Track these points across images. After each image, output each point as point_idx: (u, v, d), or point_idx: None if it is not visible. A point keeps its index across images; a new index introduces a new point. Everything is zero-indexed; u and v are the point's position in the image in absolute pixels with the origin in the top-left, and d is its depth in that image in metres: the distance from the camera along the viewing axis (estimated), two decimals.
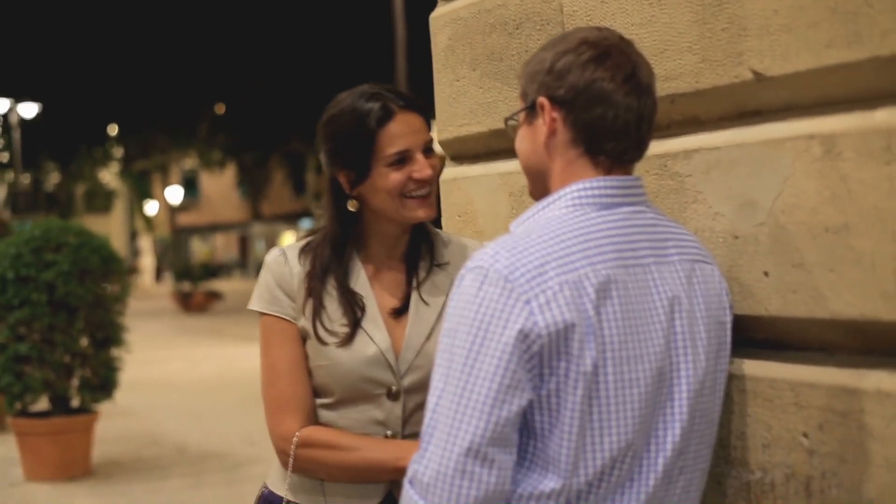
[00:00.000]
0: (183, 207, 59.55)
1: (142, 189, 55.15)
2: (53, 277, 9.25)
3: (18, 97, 33.56)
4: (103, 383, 9.69)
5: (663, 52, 2.42)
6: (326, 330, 2.65)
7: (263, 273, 2.74)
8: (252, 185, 48.23)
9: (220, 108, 38.97)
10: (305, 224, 56.22)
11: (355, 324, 2.65)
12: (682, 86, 2.39)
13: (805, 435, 2.13)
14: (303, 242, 2.76)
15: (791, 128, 2.15)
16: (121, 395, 10.40)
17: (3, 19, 30.48)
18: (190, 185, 60.38)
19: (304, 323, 2.67)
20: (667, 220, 2.17)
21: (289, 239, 55.66)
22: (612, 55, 2.08)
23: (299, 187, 52.89)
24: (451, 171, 3.25)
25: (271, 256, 2.75)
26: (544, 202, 2.12)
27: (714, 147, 2.32)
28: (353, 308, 2.67)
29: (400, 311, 2.70)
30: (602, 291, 1.95)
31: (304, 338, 2.69)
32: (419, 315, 2.69)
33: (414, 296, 2.72)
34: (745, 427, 2.26)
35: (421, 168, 2.63)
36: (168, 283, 48.66)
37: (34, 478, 9.48)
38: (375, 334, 2.65)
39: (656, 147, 2.46)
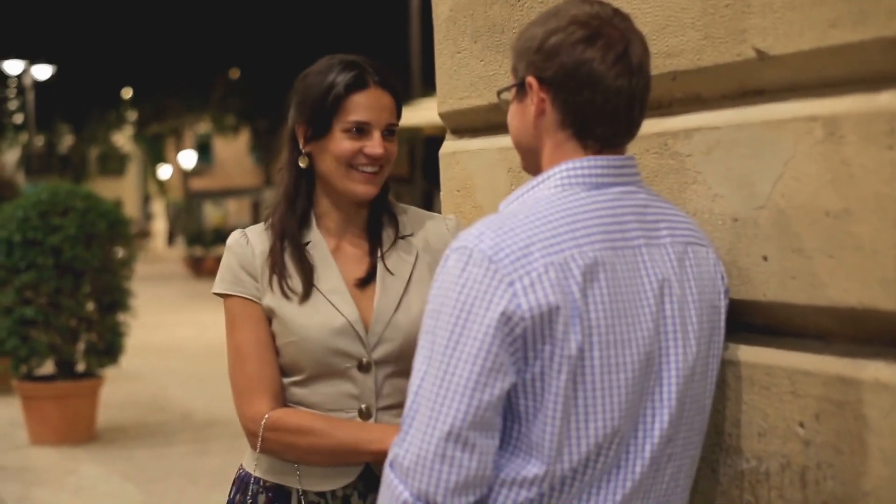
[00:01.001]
0: (196, 172, 59.49)
1: (155, 153, 55.19)
2: (60, 241, 9.24)
3: (33, 59, 33.49)
4: (109, 348, 9.71)
5: (665, 27, 2.36)
6: (289, 287, 2.65)
7: (226, 255, 2.74)
8: (265, 151, 48.13)
9: (234, 73, 38.85)
10: None
11: (308, 283, 2.66)
12: (683, 63, 2.33)
13: (801, 424, 2.08)
14: (263, 224, 2.77)
15: (793, 109, 2.09)
16: (127, 359, 10.40)
17: None
18: (203, 149, 60.22)
19: (269, 301, 2.66)
20: (660, 200, 2.11)
21: None
22: (604, 34, 2.01)
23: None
24: (450, 145, 3.19)
25: (233, 239, 2.75)
26: (533, 182, 2.06)
27: (715, 127, 2.26)
28: (306, 270, 2.68)
29: (365, 282, 2.70)
30: (589, 273, 1.90)
31: (269, 318, 2.68)
32: (386, 286, 2.69)
33: (380, 266, 2.71)
34: (741, 414, 2.21)
35: (374, 145, 2.65)
36: (180, 248, 48.74)
37: (39, 441, 9.50)
38: (342, 306, 2.64)
39: (657, 125, 2.41)
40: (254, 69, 35.91)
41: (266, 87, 35.68)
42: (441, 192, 3.22)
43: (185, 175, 55.98)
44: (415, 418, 1.89)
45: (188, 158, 55.94)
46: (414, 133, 18.00)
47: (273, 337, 2.68)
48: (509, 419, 1.93)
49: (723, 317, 2.14)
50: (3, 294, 9.33)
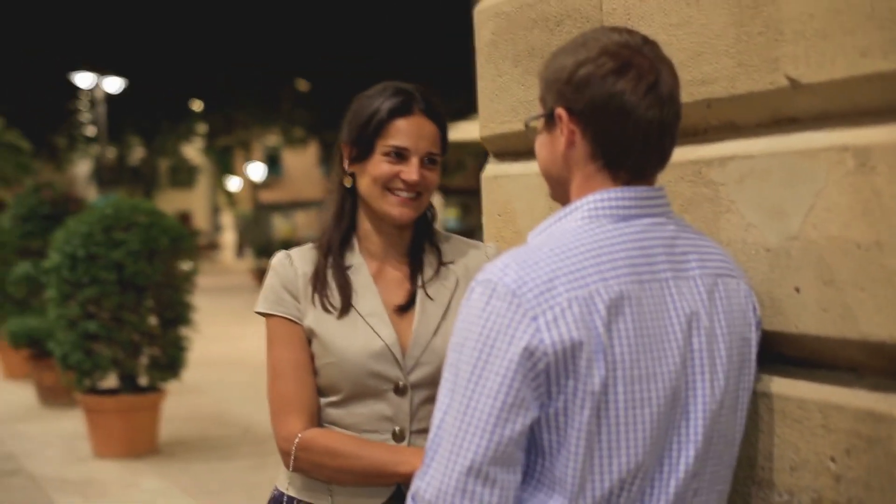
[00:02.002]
0: (265, 184, 59.93)
1: (224, 165, 55.67)
2: (123, 257, 9.32)
3: (103, 72, 33.90)
4: (171, 362, 9.77)
5: (700, 54, 2.34)
6: (329, 303, 2.70)
7: (269, 275, 2.79)
8: (334, 163, 48.38)
9: (302, 86, 39.10)
10: None
11: (347, 302, 2.70)
12: (717, 90, 2.30)
13: (832, 459, 2.05)
14: (309, 245, 2.83)
15: (825, 138, 2.06)
16: (190, 372, 10.48)
17: None
18: (273, 161, 60.66)
19: (310, 321, 2.70)
20: (691, 232, 2.08)
21: None
22: (634, 64, 1.98)
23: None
24: (492, 169, 3.19)
25: (277, 259, 2.80)
26: (561, 213, 2.05)
27: (748, 155, 2.23)
28: (346, 289, 2.72)
29: (405, 308, 2.74)
30: (614, 308, 1.88)
31: (309, 339, 2.72)
32: (425, 311, 2.72)
33: (419, 292, 2.75)
34: (773, 448, 2.18)
35: (410, 171, 2.68)
36: (248, 260, 49.10)
37: (102, 454, 9.58)
38: (381, 329, 2.68)
39: (692, 153, 2.39)
40: (322, 81, 36.08)
41: (334, 100, 35.85)
42: (483, 216, 3.22)
43: (254, 187, 56.43)
44: (437, 451, 1.88)
45: (257, 170, 56.36)
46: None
47: (312, 357, 2.72)
48: (533, 453, 1.91)
49: (754, 349, 2.11)
50: (67, 308, 9.43)
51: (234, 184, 59.41)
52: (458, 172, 34.14)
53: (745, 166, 2.24)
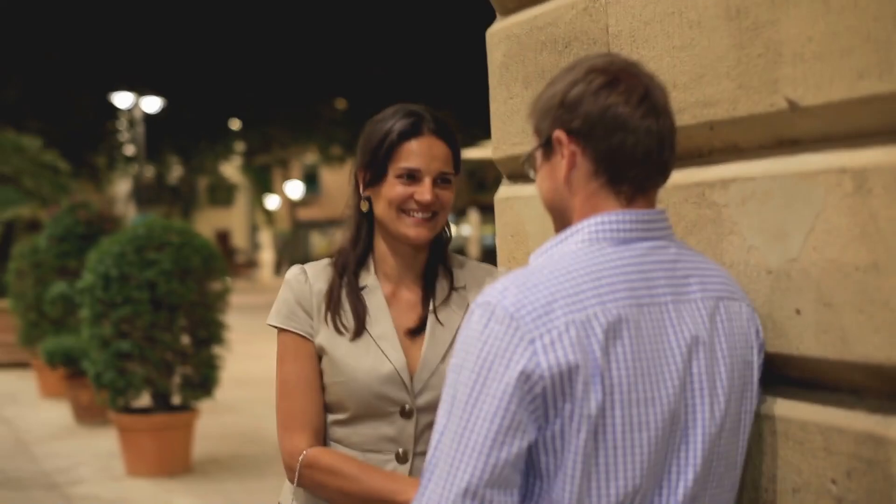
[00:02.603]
0: (303, 202, 60.13)
1: (263, 183, 55.90)
2: (155, 276, 9.39)
3: (142, 92, 34.15)
4: (203, 381, 9.82)
5: (702, 76, 2.34)
6: (342, 323, 2.73)
7: (283, 290, 2.82)
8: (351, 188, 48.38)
9: (340, 104, 39.23)
10: None
11: (360, 324, 2.73)
12: (720, 112, 2.30)
13: (833, 481, 2.05)
14: (325, 261, 2.85)
15: (824, 160, 2.06)
16: (225, 390, 10.54)
17: (126, 16, 31.05)
18: (311, 179, 60.88)
19: (322, 339, 2.73)
20: (693, 254, 2.09)
21: None
22: (623, 79, 2.01)
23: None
24: (505, 190, 3.20)
25: (292, 274, 2.83)
26: (562, 235, 2.06)
27: (750, 177, 2.23)
28: (359, 311, 2.75)
29: (416, 332, 2.76)
30: (611, 332, 1.89)
31: (319, 355, 2.75)
32: (435, 336, 2.75)
33: (430, 317, 2.77)
34: (776, 469, 2.18)
35: (423, 192, 2.71)
36: None
37: (135, 473, 9.64)
38: (391, 353, 2.71)
39: (696, 175, 2.40)
40: (359, 99, 36.20)
41: (370, 117, 36.00)
42: (496, 238, 3.23)
43: (293, 205, 56.63)
44: (434, 473, 1.89)
45: (295, 188, 56.55)
46: None
47: (320, 375, 2.75)
48: (531, 476, 1.92)
49: (756, 372, 2.11)
50: (100, 327, 9.50)
51: (272, 202, 59.64)
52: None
53: (746, 188, 2.24)
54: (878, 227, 1.92)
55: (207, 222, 57.85)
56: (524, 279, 1.93)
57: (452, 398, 1.91)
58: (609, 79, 2.00)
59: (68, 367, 12.26)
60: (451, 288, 2.82)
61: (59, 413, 13.22)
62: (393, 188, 2.73)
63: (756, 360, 2.11)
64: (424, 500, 1.89)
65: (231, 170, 53.71)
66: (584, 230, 2.02)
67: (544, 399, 1.85)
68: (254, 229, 65.49)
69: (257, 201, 59.65)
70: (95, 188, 40.79)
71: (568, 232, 2.05)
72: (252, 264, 61.84)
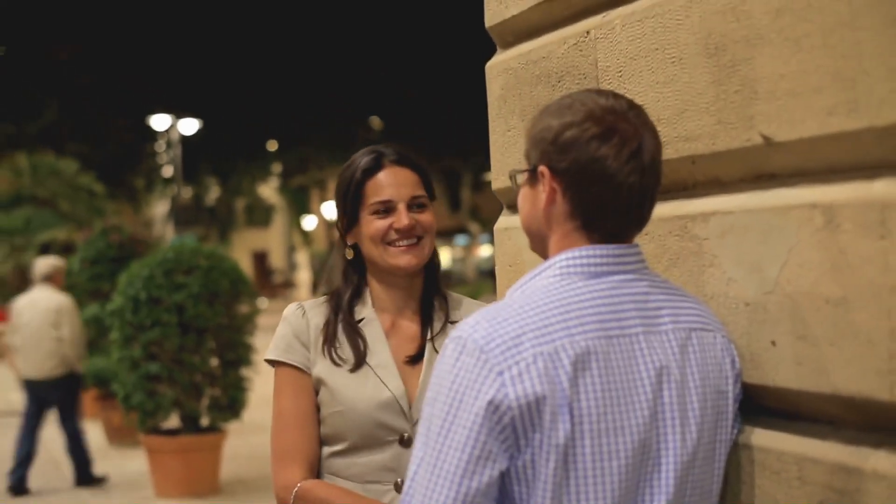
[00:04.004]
0: None
1: (300, 204, 56.10)
2: (183, 299, 9.49)
3: (179, 114, 34.40)
4: (231, 403, 9.91)
5: (684, 111, 2.39)
6: (338, 356, 2.77)
7: (281, 326, 2.85)
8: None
9: (376, 124, 39.39)
10: (460, 241, 56.44)
11: (360, 356, 2.76)
12: (700, 147, 2.35)
13: None
14: (321, 299, 2.90)
15: (796, 195, 2.10)
16: (253, 411, 10.59)
17: (163, 39, 31.32)
18: None
19: (319, 370, 2.77)
20: (666, 287, 2.13)
21: (443, 255, 55.95)
22: (619, 130, 2.03)
23: (455, 203, 53.13)
24: (504, 221, 3.24)
25: (289, 310, 2.88)
26: (536, 270, 2.11)
27: (729, 211, 2.27)
28: (357, 343, 2.78)
29: (415, 360, 2.80)
30: (579, 363, 1.93)
31: (317, 388, 2.78)
32: (433, 364, 2.73)
33: (428, 346, 2.81)
34: (754, 498, 2.21)
35: (400, 219, 2.76)
36: None
37: (163, 494, 9.74)
38: (389, 381, 2.74)
39: (679, 208, 2.44)
40: (395, 120, 36.33)
41: (407, 138, 36.07)
42: (496, 267, 3.27)
43: (329, 226, 56.70)
44: (410, 503, 1.94)
45: (332, 209, 56.63)
46: None
47: (316, 408, 2.79)
48: None
49: (731, 402, 2.15)
50: (129, 350, 9.60)
51: (309, 222, 59.86)
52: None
53: (725, 222, 2.28)
54: (848, 262, 1.96)
55: (245, 243, 58.12)
56: (495, 313, 1.98)
57: (427, 429, 1.96)
58: (603, 129, 2.03)
59: (100, 388, 12.38)
60: (447, 320, 2.87)
61: (92, 434, 13.25)
62: (371, 224, 2.79)
63: (731, 390, 2.15)
64: None
65: (268, 191, 53.94)
66: (556, 265, 2.07)
67: (514, 429, 1.90)
68: (291, 250, 65.71)
69: (294, 222, 59.86)
70: (134, 210, 41.06)
71: (542, 267, 2.10)
72: (289, 284, 62.05)
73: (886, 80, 1.87)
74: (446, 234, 57.35)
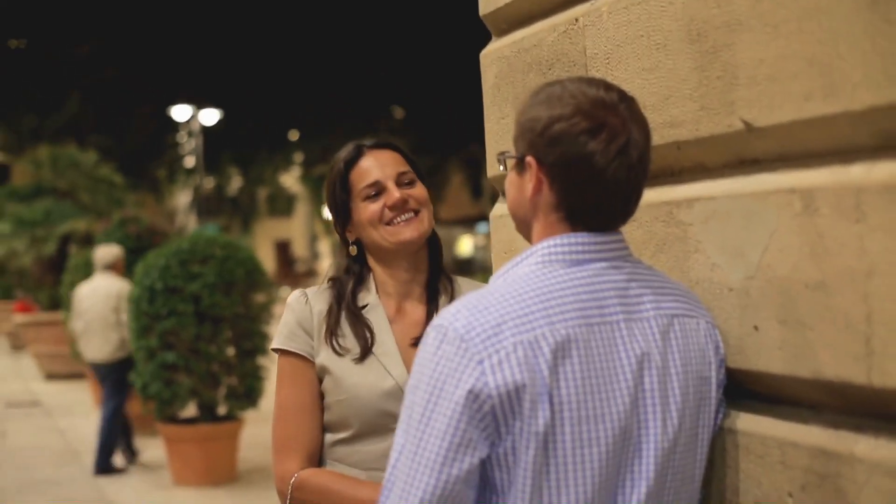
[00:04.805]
0: None
1: (322, 193, 56.11)
2: (199, 289, 9.52)
3: (200, 104, 34.46)
4: (248, 392, 9.94)
5: (668, 98, 2.39)
6: (340, 345, 2.76)
7: (285, 313, 2.85)
8: (430, 190, 48.45)
9: (398, 113, 39.37)
10: (482, 228, 56.36)
11: (366, 346, 2.75)
12: (684, 133, 2.35)
13: (790, 495, 2.09)
14: (325, 285, 2.89)
15: (776, 180, 2.11)
16: (270, 400, 10.57)
17: (184, 30, 31.37)
18: None
19: (323, 358, 2.76)
20: (649, 274, 2.14)
21: (466, 243, 56.01)
22: (608, 125, 2.02)
23: (477, 191, 53.07)
24: (499, 208, 3.25)
25: (293, 298, 2.87)
26: (518, 258, 2.12)
27: (711, 196, 2.28)
28: (363, 332, 2.78)
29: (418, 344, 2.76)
30: (560, 351, 1.94)
31: (321, 376, 2.77)
32: None
33: None
34: (739, 482, 2.22)
35: (391, 195, 2.79)
36: None
37: (181, 482, 9.80)
38: (393, 368, 2.74)
39: (665, 194, 2.44)
40: (416, 108, 36.29)
41: (429, 126, 36.07)
42: (492, 253, 3.28)
43: None
44: (392, 490, 1.95)
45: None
46: None
47: (319, 396, 2.79)
48: (488, 491, 1.97)
49: (714, 387, 2.16)
50: (146, 339, 9.64)
51: None
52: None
53: (709, 207, 2.29)
54: (826, 247, 1.96)
55: (267, 232, 58.26)
56: (476, 302, 1.99)
57: (408, 417, 1.97)
58: (592, 125, 2.02)
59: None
60: (453, 300, 2.85)
61: None
62: (365, 210, 2.81)
63: (714, 376, 2.16)
64: None
65: (290, 180, 53.99)
66: (538, 253, 2.08)
67: (494, 417, 1.91)
68: (313, 239, 65.79)
69: (317, 211, 59.81)
70: (156, 201, 41.18)
71: (524, 255, 2.11)
72: (312, 273, 62.10)
73: (860, 64, 1.87)
74: (468, 222, 57.28)
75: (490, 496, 1.97)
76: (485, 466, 1.95)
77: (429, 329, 2.02)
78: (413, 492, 1.91)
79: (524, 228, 2.20)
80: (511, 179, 2.20)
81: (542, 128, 2.07)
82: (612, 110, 2.04)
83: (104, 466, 10.63)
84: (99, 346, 10.64)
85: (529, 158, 2.09)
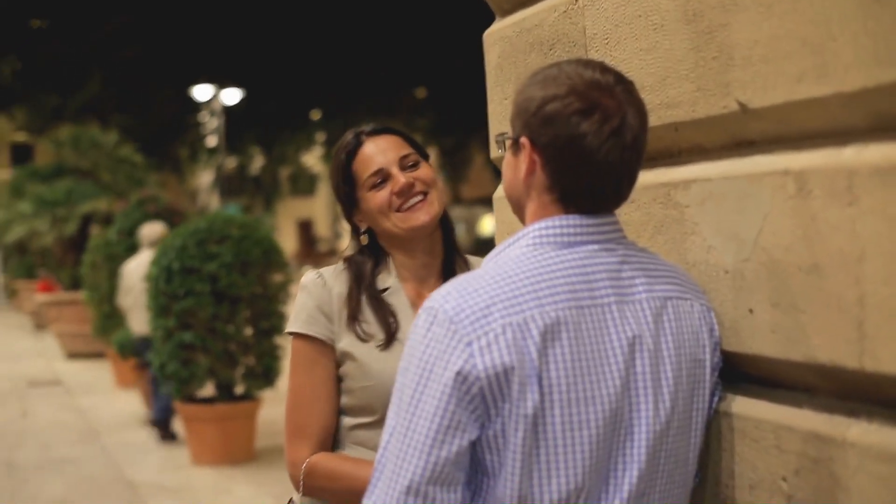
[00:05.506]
0: None
1: None
2: (216, 269, 9.53)
3: (222, 84, 34.45)
4: (265, 371, 9.96)
5: (665, 79, 2.37)
6: (363, 331, 2.71)
7: (301, 296, 2.79)
8: (453, 169, 48.49)
9: (420, 93, 39.29)
10: None
11: (391, 332, 2.71)
12: (681, 114, 2.33)
13: (784, 479, 2.08)
14: (340, 265, 2.84)
15: (770, 162, 2.09)
16: (287, 379, 10.63)
17: (205, 10, 31.36)
18: None
19: (345, 344, 2.72)
20: (643, 256, 2.12)
21: (488, 222, 55.96)
22: (601, 106, 2.01)
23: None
24: (502, 189, 3.24)
25: (309, 279, 2.80)
26: (510, 240, 2.11)
27: (707, 178, 2.27)
28: (387, 318, 2.73)
29: None
30: (549, 334, 1.93)
31: (341, 361, 2.73)
32: None
33: None
34: (734, 466, 2.21)
35: (396, 180, 2.74)
36: None
37: (199, 461, 9.84)
38: None
39: (663, 175, 2.43)
40: (440, 87, 36.20)
41: (451, 105, 36.00)
42: (495, 235, 3.27)
43: None
44: (382, 472, 1.96)
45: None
46: None
47: (335, 381, 2.74)
48: (480, 473, 1.97)
49: (708, 370, 2.14)
50: (164, 319, 9.66)
51: None
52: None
53: (705, 189, 2.27)
54: (818, 230, 1.95)
55: (290, 212, 58.36)
56: (466, 284, 1.99)
57: (399, 399, 1.97)
58: (585, 105, 2.01)
59: (138, 357, 12.48)
60: None
61: (130, 402, 13.49)
62: (373, 199, 2.77)
63: (709, 359, 2.14)
64: (374, 497, 1.96)
65: (313, 159, 53.97)
66: (529, 234, 2.07)
67: (483, 399, 1.91)
68: (336, 218, 65.75)
69: None
70: (179, 181, 41.27)
71: (515, 237, 2.10)
72: (334, 253, 62.15)
73: (852, 45, 1.85)
74: (490, 202, 57.15)
75: (481, 478, 1.97)
76: (475, 449, 1.95)
77: (420, 311, 2.02)
78: (403, 473, 1.91)
79: (518, 210, 2.20)
80: (507, 160, 2.20)
81: (535, 108, 2.06)
82: (608, 92, 2.03)
83: (165, 433, 10.91)
84: (145, 321, 10.77)
85: (523, 139, 2.08)
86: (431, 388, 1.92)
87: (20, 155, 46.44)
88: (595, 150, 2.00)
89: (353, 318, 2.73)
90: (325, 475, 2.69)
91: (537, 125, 2.06)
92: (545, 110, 2.04)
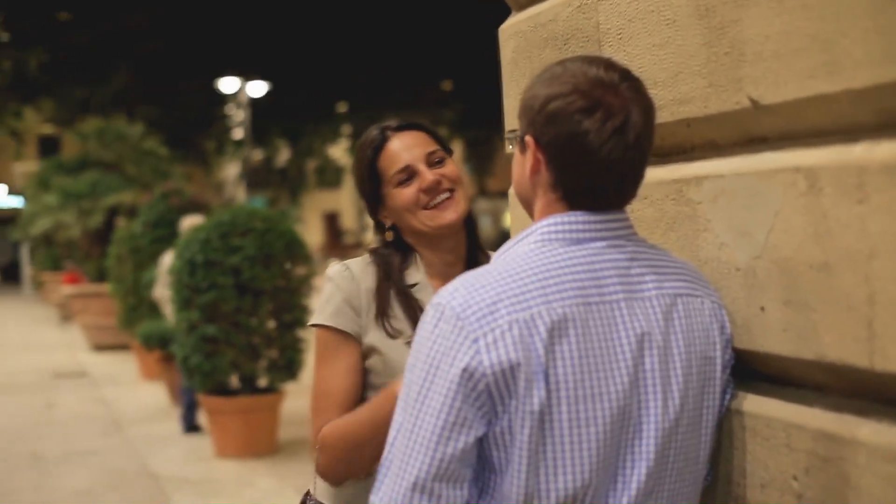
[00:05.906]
0: None
1: None
2: (239, 262, 9.54)
3: (247, 76, 34.51)
4: (288, 364, 9.97)
5: (678, 74, 2.36)
6: (392, 327, 2.69)
7: (329, 288, 2.75)
8: (479, 161, 48.42)
9: (446, 85, 39.25)
10: None
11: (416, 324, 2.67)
12: (693, 110, 2.32)
13: (795, 478, 2.06)
14: (366, 257, 2.82)
15: (782, 159, 2.08)
16: (310, 372, 10.63)
17: (232, 1, 31.40)
18: None
19: (372, 338, 2.70)
20: (653, 253, 2.12)
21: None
22: (604, 104, 2.00)
23: None
24: None
25: (336, 272, 2.77)
26: (519, 236, 2.11)
27: (720, 175, 2.25)
28: (416, 314, 2.69)
29: None
30: (556, 330, 1.93)
31: (366, 355, 2.70)
32: None
33: None
34: (746, 464, 2.20)
35: (424, 178, 2.72)
36: None
37: (222, 454, 9.87)
38: None
39: (676, 171, 2.42)
40: (465, 80, 36.17)
41: (477, 98, 35.93)
42: (511, 231, 3.27)
43: None
44: (389, 468, 1.96)
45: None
46: None
47: (361, 374, 2.70)
48: (487, 470, 1.97)
49: (719, 368, 2.13)
50: (187, 312, 9.69)
51: None
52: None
53: (717, 186, 2.26)
54: (829, 227, 1.94)
55: (316, 204, 58.43)
56: (474, 280, 1.99)
57: (406, 395, 1.97)
58: (588, 103, 2.00)
59: (163, 349, 12.52)
60: None
61: (155, 394, 13.55)
62: (400, 196, 2.75)
63: (720, 356, 2.13)
64: (381, 493, 1.96)
65: (339, 152, 54.01)
66: (537, 231, 2.07)
67: (489, 395, 1.90)
68: (361, 211, 65.83)
69: None
70: (205, 173, 41.38)
71: (524, 233, 2.10)
72: (360, 245, 62.26)
73: (862, 41, 1.83)
74: None
75: (489, 475, 1.97)
76: (483, 445, 1.95)
77: (428, 306, 2.01)
78: (409, 469, 1.91)
79: (527, 207, 2.20)
80: (515, 158, 2.21)
81: (539, 106, 2.07)
82: (611, 90, 2.02)
83: (191, 424, 11.01)
84: None
85: (528, 137, 2.09)
86: (438, 385, 1.91)
87: (48, 147, 46.68)
88: (597, 149, 2.00)
89: (383, 313, 2.71)
90: (340, 438, 2.60)
91: (541, 123, 2.06)
92: (548, 108, 2.04)
